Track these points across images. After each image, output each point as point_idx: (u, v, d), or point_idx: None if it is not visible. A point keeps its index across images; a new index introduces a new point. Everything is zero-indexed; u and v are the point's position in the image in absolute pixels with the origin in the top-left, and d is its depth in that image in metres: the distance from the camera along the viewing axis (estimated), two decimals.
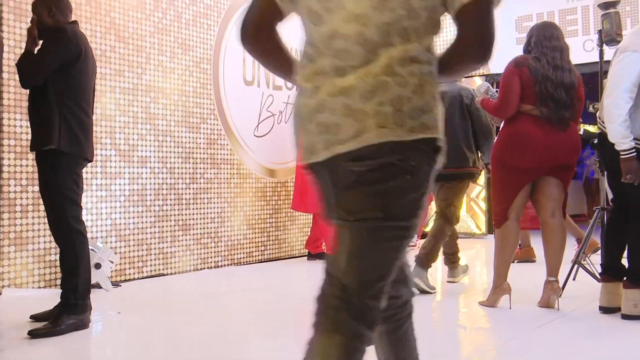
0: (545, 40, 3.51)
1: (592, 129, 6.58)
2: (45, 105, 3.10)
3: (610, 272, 3.40)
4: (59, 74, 3.10)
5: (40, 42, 3.20)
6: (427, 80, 1.27)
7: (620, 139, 3.13)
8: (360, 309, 1.27)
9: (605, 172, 3.61)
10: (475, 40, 1.27)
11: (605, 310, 3.39)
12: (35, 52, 3.14)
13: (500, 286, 3.63)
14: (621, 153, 3.14)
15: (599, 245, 4.40)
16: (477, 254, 6.56)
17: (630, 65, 3.12)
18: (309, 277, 5.28)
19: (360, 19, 1.26)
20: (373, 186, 1.25)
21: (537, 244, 3.67)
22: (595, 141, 3.67)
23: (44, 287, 4.28)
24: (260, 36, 1.44)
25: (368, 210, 1.25)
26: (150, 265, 4.94)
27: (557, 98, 3.41)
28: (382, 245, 1.28)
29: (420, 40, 1.29)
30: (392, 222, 1.26)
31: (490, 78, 7.32)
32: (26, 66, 3.08)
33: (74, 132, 3.12)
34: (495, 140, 3.78)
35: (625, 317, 3.25)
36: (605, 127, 3.34)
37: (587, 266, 4.28)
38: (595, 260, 4.69)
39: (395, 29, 1.25)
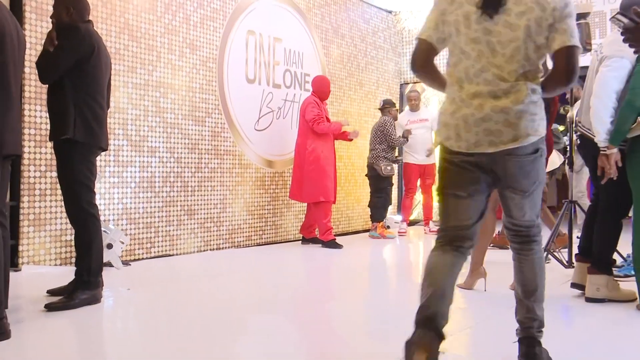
0: None
1: (560, 128, 6.64)
2: (62, 98, 3.08)
3: (585, 254, 3.43)
4: (74, 69, 3.08)
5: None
6: (540, 102, 1.95)
7: (607, 138, 3.09)
8: (539, 231, 2.09)
9: (589, 169, 3.58)
10: (564, 73, 1.90)
11: (577, 286, 3.43)
12: (52, 49, 3.12)
13: (476, 270, 3.66)
14: (602, 150, 3.10)
15: (567, 243, 4.44)
16: None
17: (619, 70, 3.10)
18: (303, 259, 5.30)
19: (498, 67, 1.91)
20: (530, 169, 1.95)
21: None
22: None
23: (60, 264, 4.27)
24: (424, 67, 2.06)
25: (532, 186, 1.98)
26: (158, 246, 4.94)
27: None
28: (537, 195, 2.01)
29: (536, 77, 1.95)
30: (540, 184, 2.00)
31: None
32: (44, 64, 3.07)
33: (89, 123, 3.11)
34: None
35: (589, 300, 3.28)
36: (587, 130, 3.36)
37: (556, 254, 4.31)
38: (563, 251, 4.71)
39: (522, 73, 1.91)
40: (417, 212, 7.85)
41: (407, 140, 6.69)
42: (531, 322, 2.08)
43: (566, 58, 1.88)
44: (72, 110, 3.06)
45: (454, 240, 2.01)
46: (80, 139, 3.08)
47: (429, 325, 1.90)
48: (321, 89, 5.78)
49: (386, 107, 6.65)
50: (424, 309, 1.93)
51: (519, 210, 2.01)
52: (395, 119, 6.67)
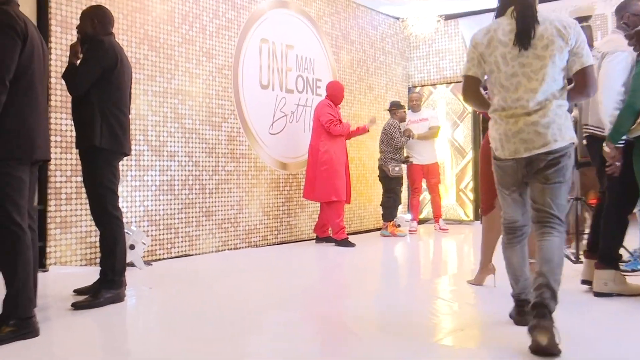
0: None
1: None
2: (88, 107, 3.10)
3: (593, 250, 3.38)
4: (99, 80, 3.10)
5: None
6: (566, 113, 2.42)
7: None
8: (560, 223, 2.44)
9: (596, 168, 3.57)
10: (585, 88, 2.40)
11: (586, 282, 3.40)
12: (78, 63, 3.15)
13: (486, 266, 3.63)
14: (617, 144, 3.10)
15: (572, 242, 4.39)
16: (465, 238, 6.55)
17: (621, 63, 3.09)
18: (317, 257, 5.29)
19: (533, 91, 2.41)
20: (556, 166, 2.40)
21: None
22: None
23: (86, 265, 4.30)
24: (475, 97, 2.61)
25: (555, 178, 2.42)
26: (178, 247, 4.96)
27: None
28: (559, 190, 2.43)
29: (562, 92, 2.43)
30: (565, 182, 2.42)
31: None
32: (71, 77, 3.09)
33: (114, 131, 3.13)
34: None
35: (597, 294, 3.24)
36: (595, 128, 3.33)
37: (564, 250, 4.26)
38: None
39: (551, 92, 2.40)
40: (426, 211, 7.80)
41: (409, 138, 6.67)
42: (543, 290, 2.26)
43: (586, 76, 2.38)
44: (98, 118, 3.08)
45: (513, 231, 2.59)
46: (106, 146, 3.10)
47: (523, 304, 2.59)
48: (335, 93, 5.77)
49: (392, 108, 6.64)
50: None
51: (542, 195, 2.43)
52: (402, 120, 6.66)
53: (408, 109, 7.13)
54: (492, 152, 2.58)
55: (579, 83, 2.39)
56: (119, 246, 3.18)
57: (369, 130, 6.11)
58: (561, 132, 2.38)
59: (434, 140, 7.01)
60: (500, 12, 2.54)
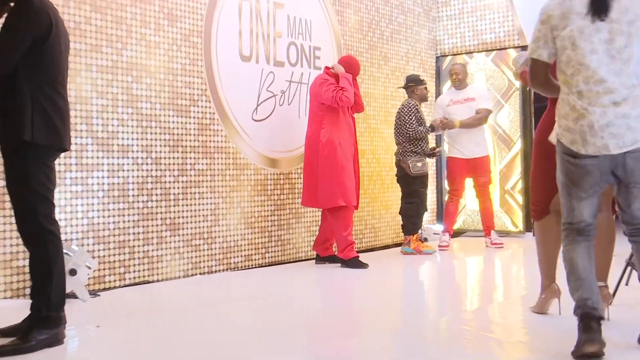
0: None
1: None
2: (12, 91, 3.07)
3: None
4: (29, 53, 3.08)
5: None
6: None
7: None
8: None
9: None
10: None
11: None
12: None
13: (548, 288, 3.64)
14: None
15: None
16: (514, 255, 6.54)
17: None
18: (318, 283, 5.28)
19: (617, 73, 2.73)
20: None
21: None
22: None
23: (11, 297, 4.29)
24: (544, 84, 2.98)
25: None
26: (134, 272, 4.95)
27: None
28: None
29: None
30: None
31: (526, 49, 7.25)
32: None
33: (51, 121, 3.12)
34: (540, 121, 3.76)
35: None
36: None
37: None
38: None
39: (633, 74, 2.72)
40: (461, 220, 7.80)
41: (434, 129, 6.63)
42: None
43: None
44: (28, 105, 3.06)
45: (581, 232, 2.90)
46: (42, 142, 3.09)
47: (592, 318, 2.79)
48: (351, 72, 5.77)
49: (410, 85, 6.60)
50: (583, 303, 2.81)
51: (639, 202, 2.80)
52: (424, 99, 6.63)
53: (447, 86, 7.11)
54: (562, 145, 2.83)
55: None
56: (55, 271, 3.16)
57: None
58: None
59: (483, 127, 6.98)
60: None
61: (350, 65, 5.84)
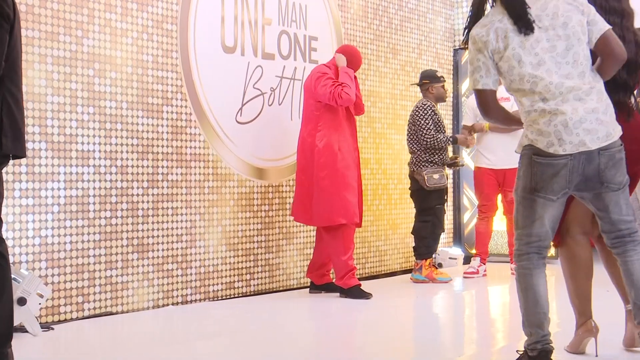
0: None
1: None
2: None
3: None
4: None
5: None
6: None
7: None
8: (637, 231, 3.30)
9: None
10: (609, 55, 3.23)
11: None
12: None
13: (583, 326, 3.65)
14: None
15: None
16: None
17: None
18: (312, 315, 5.27)
19: (568, 76, 3.15)
20: (619, 163, 3.16)
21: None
22: None
23: None
24: (495, 112, 3.38)
25: (623, 178, 3.19)
26: (94, 301, 4.94)
27: (615, 78, 3.43)
28: (627, 192, 3.25)
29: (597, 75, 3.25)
30: (627, 180, 3.23)
31: None
32: None
33: (17, 125, 3.15)
34: None
35: None
36: None
37: None
38: None
39: (589, 73, 3.18)
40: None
41: (456, 142, 6.61)
42: None
43: (608, 41, 3.17)
44: None
45: (541, 250, 3.24)
46: (10, 151, 3.13)
47: (549, 356, 3.18)
48: (351, 66, 5.79)
49: (424, 82, 6.61)
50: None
51: (617, 206, 3.17)
52: (441, 99, 6.63)
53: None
54: (533, 148, 3.17)
55: (605, 52, 3.19)
56: (3, 299, 3.15)
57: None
58: (614, 121, 3.16)
59: (518, 132, 6.96)
60: None
61: (350, 57, 5.84)
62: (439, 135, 6.40)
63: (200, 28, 5.65)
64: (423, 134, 6.36)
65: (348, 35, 6.88)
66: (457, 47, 8.20)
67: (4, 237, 3.31)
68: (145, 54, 5.29)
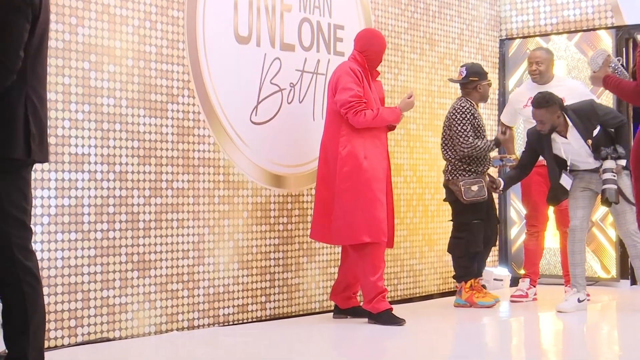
0: None
1: None
2: (11, 93, 3.18)
3: None
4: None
5: None
6: None
7: None
8: None
9: None
10: None
11: None
12: None
13: None
14: None
15: None
16: (605, 310, 6.49)
17: None
18: (336, 344, 5.26)
19: None
20: None
21: None
22: None
23: None
24: None
25: None
26: (89, 325, 4.95)
27: None
28: None
29: None
30: None
31: (623, 31, 7.24)
32: None
33: (43, 130, 3.27)
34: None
35: None
36: None
37: None
38: None
39: None
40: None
41: (499, 144, 6.56)
42: None
43: None
44: (20, 114, 3.18)
45: None
46: (39, 158, 3.28)
47: None
48: (372, 49, 5.76)
49: (473, 80, 6.56)
50: None
51: None
52: (484, 99, 6.59)
53: (526, 81, 7.08)
54: None
55: None
56: (35, 320, 3.23)
57: (400, 117, 5.96)
58: None
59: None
60: None
61: (369, 42, 5.78)
62: (478, 142, 6.30)
63: (210, 15, 5.67)
64: (460, 142, 6.29)
65: (379, 24, 6.88)
66: (504, 38, 8.18)
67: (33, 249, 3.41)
68: (148, 45, 5.30)
